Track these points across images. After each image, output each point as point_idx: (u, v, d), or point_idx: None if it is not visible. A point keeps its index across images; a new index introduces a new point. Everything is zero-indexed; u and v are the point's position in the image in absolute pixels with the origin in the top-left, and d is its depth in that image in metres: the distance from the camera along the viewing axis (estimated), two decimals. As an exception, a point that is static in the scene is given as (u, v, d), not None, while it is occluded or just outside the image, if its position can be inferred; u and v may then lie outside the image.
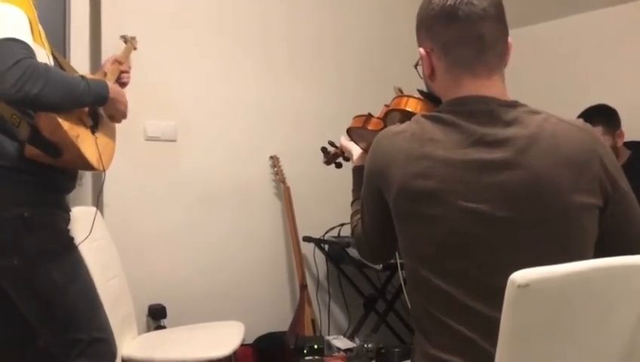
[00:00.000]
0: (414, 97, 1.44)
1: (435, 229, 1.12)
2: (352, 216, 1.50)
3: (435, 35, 1.20)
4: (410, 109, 1.43)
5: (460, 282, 1.10)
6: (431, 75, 1.24)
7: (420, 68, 1.34)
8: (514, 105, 1.17)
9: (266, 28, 3.17)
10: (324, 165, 2.07)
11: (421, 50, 1.24)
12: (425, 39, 1.23)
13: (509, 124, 1.13)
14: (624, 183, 1.17)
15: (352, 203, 1.54)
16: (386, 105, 1.57)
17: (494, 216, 1.09)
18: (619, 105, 2.59)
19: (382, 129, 1.53)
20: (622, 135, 2.55)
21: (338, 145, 1.89)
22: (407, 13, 3.56)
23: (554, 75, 3.05)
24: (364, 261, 2.72)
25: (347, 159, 1.95)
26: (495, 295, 0.96)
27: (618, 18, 2.99)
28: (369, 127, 1.64)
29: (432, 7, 1.19)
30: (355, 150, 1.68)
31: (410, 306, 1.23)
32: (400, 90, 1.71)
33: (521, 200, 1.09)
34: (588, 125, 1.18)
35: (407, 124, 1.22)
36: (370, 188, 1.27)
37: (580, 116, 2.53)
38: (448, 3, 1.17)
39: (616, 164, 1.17)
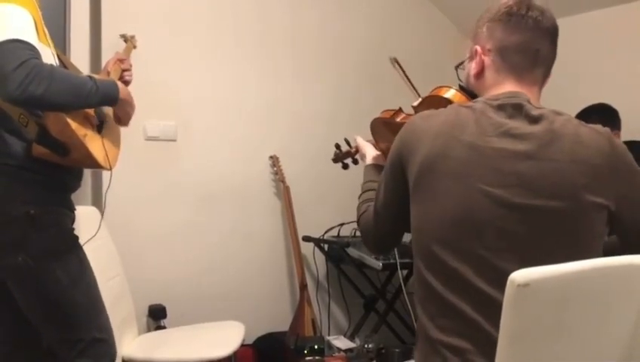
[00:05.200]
0: (455, 89, 1.47)
1: (452, 207, 1.16)
2: (361, 205, 1.52)
3: (497, 37, 1.26)
4: (449, 97, 1.47)
5: (469, 261, 1.13)
6: (479, 73, 1.30)
7: (460, 70, 1.40)
8: (542, 107, 1.23)
9: (267, 28, 3.17)
10: (332, 163, 2.06)
11: (477, 47, 1.29)
12: (484, 38, 1.28)
13: (535, 120, 1.19)
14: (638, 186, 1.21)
15: (360, 195, 1.56)
16: (422, 97, 1.58)
17: (510, 201, 1.13)
18: (618, 105, 2.59)
19: None
20: (618, 136, 2.54)
21: (354, 144, 1.90)
22: (408, 16, 3.61)
23: (553, 75, 3.05)
24: (366, 258, 2.76)
25: (356, 162, 1.97)
26: (502, 278, 0.99)
27: (618, 18, 2.99)
28: (398, 120, 1.66)
29: (502, 12, 1.25)
30: (370, 151, 1.71)
31: (416, 290, 1.25)
32: (395, 60, 1.75)
33: (538, 190, 1.14)
34: (606, 129, 1.23)
35: (442, 109, 1.27)
36: (393, 165, 1.30)
37: (578, 114, 2.54)
38: (520, 12, 1.24)
39: (634, 168, 1.22)
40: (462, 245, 1.14)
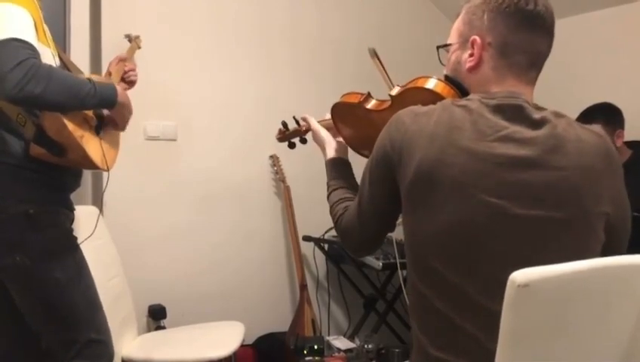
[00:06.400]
0: (441, 80, 1.33)
1: (451, 218, 1.08)
2: (335, 205, 1.41)
3: (500, 32, 1.16)
4: (433, 89, 1.32)
5: (471, 276, 1.08)
6: (475, 66, 1.20)
7: (443, 50, 1.29)
8: (540, 107, 1.17)
9: (267, 28, 3.17)
10: (278, 141, 1.93)
11: (476, 38, 1.18)
12: (483, 29, 1.18)
13: (537, 123, 1.12)
14: (624, 189, 1.20)
15: (329, 195, 1.46)
16: (401, 86, 1.43)
17: (514, 213, 1.07)
18: (619, 105, 2.59)
19: (385, 109, 1.45)
20: (621, 135, 2.55)
21: (303, 123, 1.77)
22: (408, 14, 3.60)
23: (553, 75, 3.04)
24: (366, 258, 2.75)
25: (304, 141, 1.84)
26: (504, 292, 0.95)
27: (618, 18, 2.99)
28: (367, 106, 1.51)
29: (507, 3, 1.15)
30: (329, 140, 1.58)
31: (412, 302, 1.20)
32: (374, 52, 1.60)
33: (544, 200, 1.08)
34: (603, 131, 1.19)
35: (432, 107, 1.17)
36: (379, 168, 1.21)
37: (582, 113, 2.54)
38: (528, 7, 1.15)
39: (621, 169, 1.19)
40: (463, 260, 1.09)
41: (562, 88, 2.93)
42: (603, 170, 1.14)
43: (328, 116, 1.64)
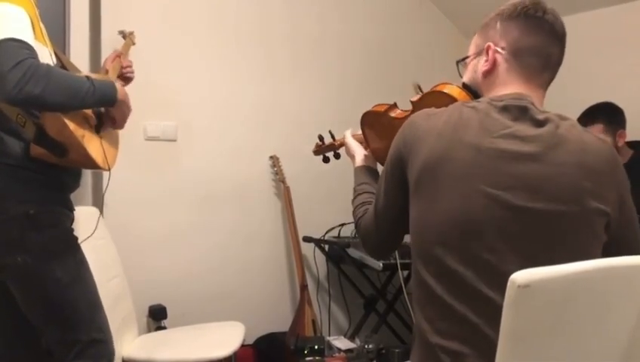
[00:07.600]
0: (458, 86, 1.42)
1: (452, 207, 1.14)
2: (357, 208, 1.49)
3: (513, 37, 1.24)
4: (450, 93, 1.41)
5: (472, 264, 1.12)
6: (489, 71, 1.27)
7: (461, 65, 1.37)
8: (546, 110, 1.22)
9: (267, 28, 3.17)
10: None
11: (490, 44, 1.26)
12: (497, 36, 1.26)
13: (540, 123, 1.17)
14: (630, 199, 1.23)
15: (354, 199, 1.54)
16: (422, 93, 1.53)
17: (513, 204, 1.12)
18: (620, 105, 2.59)
19: (406, 116, 1.50)
20: (623, 135, 2.55)
21: (338, 138, 1.86)
22: (410, 14, 3.60)
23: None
24: (366, 258, 2.76)
25: (338, 156, 1.94)
26: (503, 281, 0.97)
27: (619, 17, 2.99)
28: (392, 114, 1.61)
29: (518, 11, 1.23)
30: (359, 151, 1.68)
31: (414, 291, 1.23)
32: (419, 87, 1.71)
33: (542, 193, 1.12)
34: (608, 140, 1.26)
35: (444, 108, 1.24)
36: (394, 164, 1.28)
37: (584, 112, 2.54)
38: (537, 14, 1.22)
39: (627, 182, 1.23)
40: (464, 248, 1.12)
41: (563, 88, 2.91)
42: (606, 173, 1.16)
43: (360, 131, 1.73)
